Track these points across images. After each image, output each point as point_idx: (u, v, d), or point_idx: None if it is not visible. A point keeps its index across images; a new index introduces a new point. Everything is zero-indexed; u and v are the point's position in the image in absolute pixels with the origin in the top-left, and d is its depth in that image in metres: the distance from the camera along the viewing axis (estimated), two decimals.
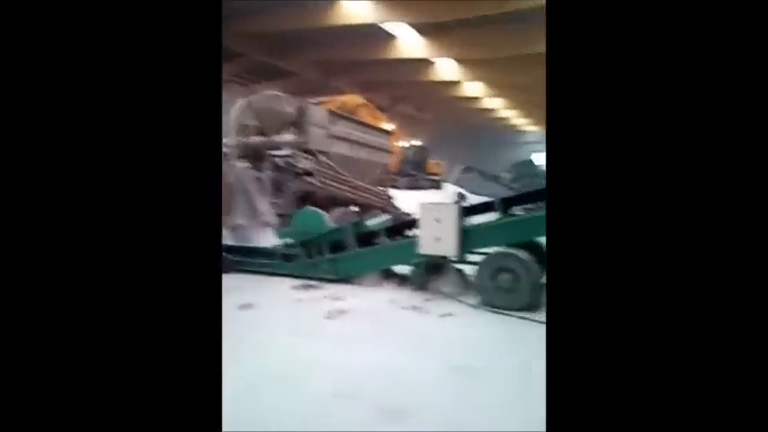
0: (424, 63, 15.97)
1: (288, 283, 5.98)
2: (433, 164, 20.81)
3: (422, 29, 13.51)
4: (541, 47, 13.00)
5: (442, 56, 15.07)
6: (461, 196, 12.12)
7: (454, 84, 18.29)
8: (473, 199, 10.46)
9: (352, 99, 12.93)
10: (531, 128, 30.31)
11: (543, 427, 1.36)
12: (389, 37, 14.09)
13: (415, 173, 16.24)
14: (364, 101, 13.02)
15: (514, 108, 24.07)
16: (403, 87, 19.63)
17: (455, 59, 15.63)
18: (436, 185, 18.14)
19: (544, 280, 5.51)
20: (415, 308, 4.95)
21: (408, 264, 5.77)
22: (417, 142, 22.51)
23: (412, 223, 5.75)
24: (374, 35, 13.77)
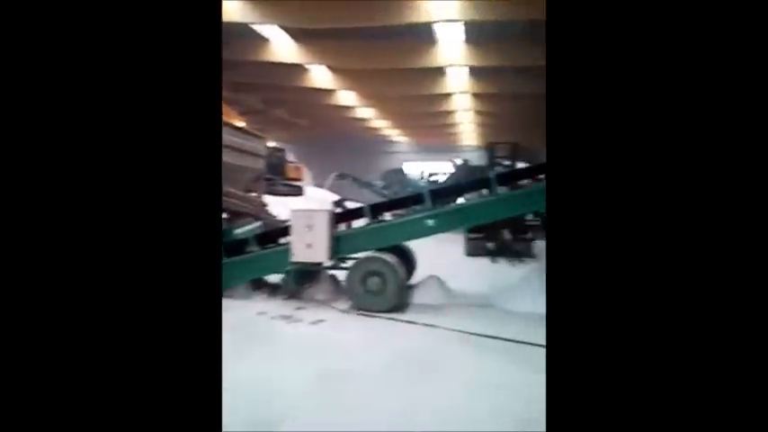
0: (299, 69, 15.88)
1: None
2: (292, 168, 19.54)
3: (295, 34, 13.44)
4: (411, 62, 13.85)
5: (316, 63, 15.16)
6: (340, 202, 12.21)
7: (328, 92, 18.51)
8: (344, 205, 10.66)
9: None
10: (401, 138, 32.11)
11: (408, 422, 1.46)
12: (262, 39, 13.73)
13: (272, 177, 14.92)
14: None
15: (386, 119, 25.26)
16: (277, 91, 19.24)
17: (329, 67, 15.84)
18: (297, 191, 16.84)
19: (409, 282, 5.89)
20: (285, 317, 4.88)
21: (280, 272, 5.67)
22: (273, 144, 20.78)
23: (285, 230, 5.68)
24: (246, 36, 13.29)
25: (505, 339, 4.21)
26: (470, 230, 9.34)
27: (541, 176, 5.77)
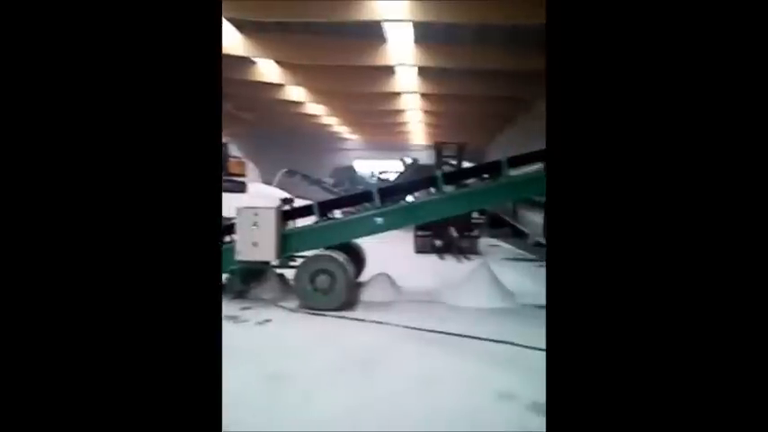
0: (245, 62, 15.40)
1: None
2: (234, 163, 18.65)
3: (242, 26, 13.01)
4: (361, 60, 13.82)
5: (264, 56, 14.77)
6: (289, 200, 11.92)
7: (276, 86, 18.09)
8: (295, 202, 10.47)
9: None
10: (352, 136, 32.01)
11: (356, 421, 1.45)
12: None
13: None
14: None
15: (336, 116, 25.08)
16: (222, 84, 18.59)
17: (277, 62, 15.49)
18: (239, 187, 15.92)
19: (359, 279, 5.89)
20: (231, 318, 4.73)
21: (225, 272, 5.49)
22: None
23: (229, 228, 5.50)
24: None
25: (452, 334, 4.32)
26: (419, 228, 9.48)
27: (486, 176, 5.95)
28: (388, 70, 15.15)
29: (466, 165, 9.21)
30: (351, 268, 5.27)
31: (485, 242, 10.29)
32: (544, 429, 2.66)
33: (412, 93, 17.60)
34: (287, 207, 5.98)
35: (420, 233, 9.65)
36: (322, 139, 31.05)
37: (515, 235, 11.25)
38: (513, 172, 5.71)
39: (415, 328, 4.47)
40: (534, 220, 9.40)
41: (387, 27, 11.52)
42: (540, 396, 3.04)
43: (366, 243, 6.22)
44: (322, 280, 5.06)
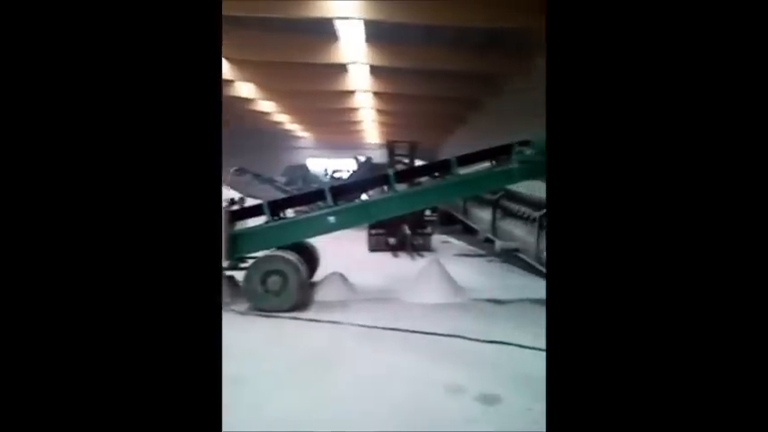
0: None
1: None
2: None
3: None
4: (313, 57, 13.65)
5: None
6: (239, 200, 11.62)
7: (226, 82, 17.57)
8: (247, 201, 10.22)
9: None
10: (305, 134, 31.56)
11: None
12: None
13: None
14: None
15: (288, 113, 24.66)
16: None
17: (226, 58, 15.04)
18: None
19: (312, 279, 5.84)
20: None
21: None
22: None
23: None
24: None
25: (405, 330, 4.37)
26: (372, 227, 9.52)
27: (437, 174, 6.06)
28: (341, 68, 15.08)
29: (419, 163, 9.34)
30: (303, 268, 5.20)
31: (437, 239, 10.48)
32: (493, 420, 2.77)
33: (365, 91, 17.61)
34: (236, 207, 5.82)
35: (374, 231, 9.68)
36: (274, 137, 30.45)
37: (466, 231, 11.54)
38: (463, 170, 5.85)
39: (368, 327, 4.49)
40: (483, 216, 9.68)
41: (338, 25, 11.46)
42: (488, 387, 3.16)
43: (319, 242, 6.17)
44: (274, 281, 4.97)
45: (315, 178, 18.94)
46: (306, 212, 6.05)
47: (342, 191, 6.00)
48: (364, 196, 6.49)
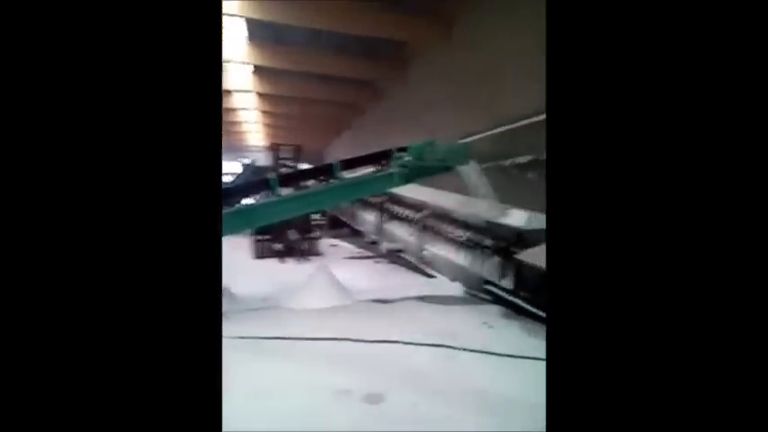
0: None
1: None
2: None
3: None
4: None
5: None
6: None
7: None
8: None
9: None
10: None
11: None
12: None
13: None
14: None
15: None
16: None
17: None
18: None
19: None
20: None
21: None
22: None
23: None
24: None
25: (288, 338, 4.27)
26: (257, 232, 9.17)
27: (322, 178, 6.05)
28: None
29: (303, 166, 9.24)
30: None
31: (326, 243, 10.46)
32: (378, 418, 2.83)
33: (246, 91, 16.90)
34: None
35: (259, 237, 9.34)
36: None
37: (354, 234, 11.71)
38: (348, 174, 5.92)
39: (249, 338, 4.30)
40: (369, 219, 9.91)
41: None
42: (373, 387, 3.23)
43: None
44: None
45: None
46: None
47: (223, 195, 5.66)
48: (248, 201, 6.20)
